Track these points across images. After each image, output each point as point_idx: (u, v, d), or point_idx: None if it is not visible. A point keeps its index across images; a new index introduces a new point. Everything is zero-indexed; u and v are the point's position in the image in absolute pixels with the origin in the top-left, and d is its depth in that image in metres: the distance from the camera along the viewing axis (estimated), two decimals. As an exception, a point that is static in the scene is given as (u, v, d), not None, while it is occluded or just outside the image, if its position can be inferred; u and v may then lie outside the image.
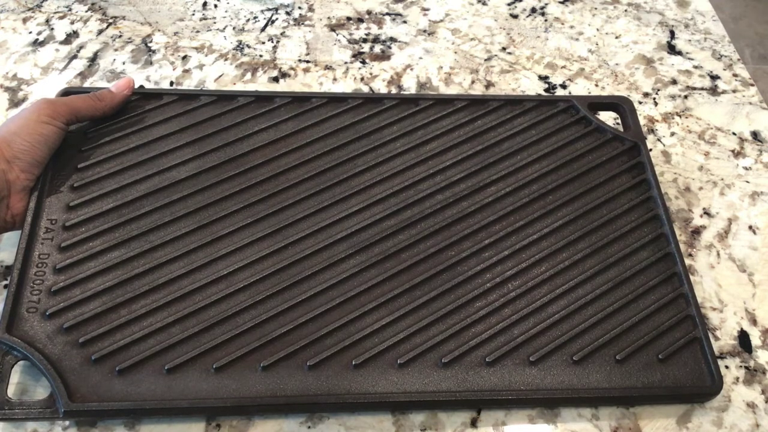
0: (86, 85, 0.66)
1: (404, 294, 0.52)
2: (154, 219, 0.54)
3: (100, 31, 0.71)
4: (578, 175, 0.59)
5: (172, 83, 0.67)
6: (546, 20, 0.76)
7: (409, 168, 0.59)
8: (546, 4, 0.78)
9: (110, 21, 0.72)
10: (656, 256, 0.55)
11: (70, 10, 0.73)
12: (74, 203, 0.54)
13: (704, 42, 0.75)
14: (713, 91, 0.71)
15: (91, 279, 0.50)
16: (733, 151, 0.66)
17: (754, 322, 0.55)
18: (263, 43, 0.71)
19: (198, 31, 0.72)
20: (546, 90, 0.70)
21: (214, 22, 0.73)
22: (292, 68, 0.69)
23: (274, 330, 0.49)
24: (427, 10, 0.77)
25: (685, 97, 0.70)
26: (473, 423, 0.49)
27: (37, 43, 0.69)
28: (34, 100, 0.63)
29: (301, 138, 0.59)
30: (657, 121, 0.68)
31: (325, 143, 0.59)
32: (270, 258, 0.52)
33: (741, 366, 0.52)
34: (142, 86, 0.62)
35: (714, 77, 0.72)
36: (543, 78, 0.71)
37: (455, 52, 0.72)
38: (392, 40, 0.73)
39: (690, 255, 0.58)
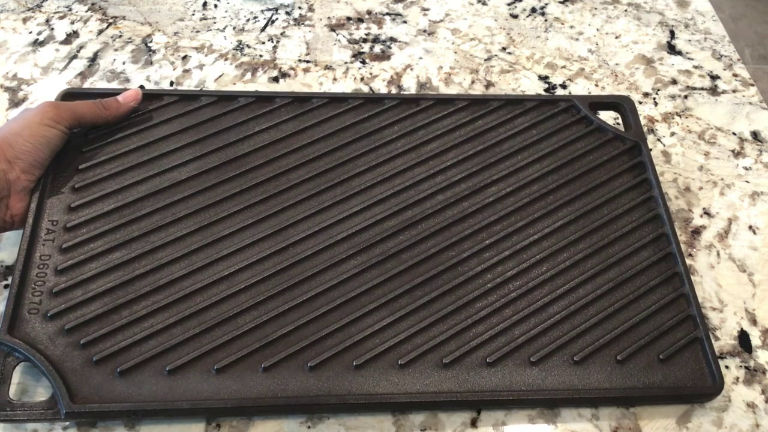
0: (86, 85, 0.66)
1: (405, 294, 0.52)
2: (155, 220, 0.54)
3: (100, 31, 0.71)
4: (579, 174, 0.59)
5: (172, 83, 0.67)
6: (546, 20, 0.76)
7: (409, 168, 0.59)
8: (546, 4, 0.78)
9: (110, 21, 0.72)
10: (657, 256, 0.55)
11: (70, 10, 0.73)
12: (75, 204, 0.54)
13: (704, 42, 0.75)
14: (713, 91, 0.71)
15: (92, 280, 0.50)
16: (733, 151, 0.66)
17: (754, 322, 0.55)
18: (263, 43, 0.71)
19: (198, 31, 0.72)
20: (546, 90, 0.70)
21: (214, 22, 0.73)
22: (292, 68, 0.69)
23: (275, 331, 0.49)
24: (427, 10, 0.77)
25: (685, 97, 0.70)
26: (473, 423, 0.49)
27: (37, 43, 0.69)
28: (38, 102, 0.63)
29: (302, 138, 0.59)
30: (657, 121, 0.68)
31: (326, 143, 0.59)
32: (271, 259, 0.53)
33: (741, 366, 0.53)
34: (142, 86, 0.62)
35: (714, 77, 0.72)
36: (543, 78, 0.71)
37: (455, 52, 0.72)
38: (392, 40, 0.73)
39: (690, 255, 0.58)
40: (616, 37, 0.75)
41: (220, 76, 0.68)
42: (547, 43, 0.74)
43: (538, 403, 0.49)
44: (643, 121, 0.67)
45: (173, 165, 0.57)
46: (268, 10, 0.75)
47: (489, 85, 0.70)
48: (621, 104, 0.64)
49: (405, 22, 0.75)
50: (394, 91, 0.68)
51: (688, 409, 0.50)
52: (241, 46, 0.71)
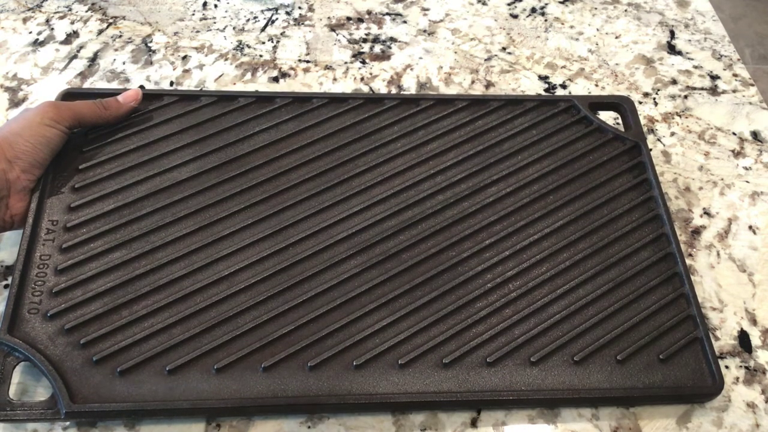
0: (86, 85, 0.66)
1: (405, 294, 0.52)
2: (155, 220, 0.54)
3: (100, 31, 0.71)
4: (579, 175, 0.59)
5: (172, 83, 0.67)
6: (546, 20, 0.76)
7: (409, 168, 0.59)
8: (546, 4, 0.78)
9: (110, 21, 0.72)
10: (657, 256, 0.55)
11: (70, 10, 0.73)
12: (75, 204, 0.54)
13: (704, 42, 0.75)
14: (713, 91, 0.71)
15: (92, 280, 0.50)
16: (733, 151, 0.66)
17: (754, 322, 0.55)
18: (263, 43, 0.71)
19: (198, 31, 0.72)
20: (546, 90, 0.70)
21: (214, 22, 0.73)
22: (292, 68, 0.69)
23: (275, 331, 0.49)
24: (427, 10, 0.77)
25: (685, 97, 0.70)
26: (473, 423, 0.49)
27: (37, 43, 0.69)
28: (38, 102, 0.63)
29: (302, 138, 0.59)
30: (657, 121, 0.68)
31: (326, 144, 0.59)
32: (271, 258, 0.53)
33: (741, 366, 0.53)
34: (142, 86, 0.62)
35: (714, 77, 0.72)
36: (543, 78, 0.71)
37: (455, 52, 0.72)
38: (392, 40, 0.73)
39: (690, 255, 0.58)
40: (616, 37, 0.75)
41: (220, 76, 0.68)
42: (547, 43, 0.74)
43: (538, 403, 0.49)
44: (643, 121, 0.67)
45: (173, 165, 0.57)
46: (268, 10, 0.75)
47: (489, 85, 0.70)
48: (621, 104, 0.64)
49: (405, 22, 0.75)
50: (394, 91, 0.68)
51: (688, 409, 0.50)
52: (241, 46, 0.71)
